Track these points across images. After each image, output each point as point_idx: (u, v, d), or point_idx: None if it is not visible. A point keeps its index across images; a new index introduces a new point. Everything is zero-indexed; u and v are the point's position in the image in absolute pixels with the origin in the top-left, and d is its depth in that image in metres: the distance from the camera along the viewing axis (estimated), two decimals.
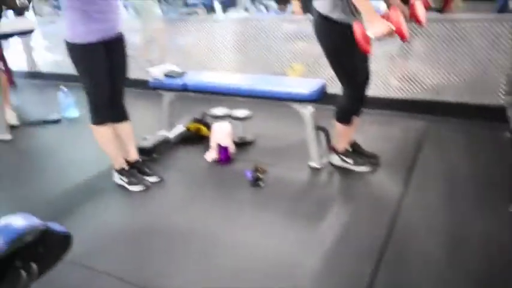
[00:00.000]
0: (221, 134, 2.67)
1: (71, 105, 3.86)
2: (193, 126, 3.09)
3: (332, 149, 2.58)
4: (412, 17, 2.10)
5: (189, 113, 3.22)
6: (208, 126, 3.07)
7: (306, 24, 3.69)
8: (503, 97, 3.10)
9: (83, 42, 2.11)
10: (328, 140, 2.59)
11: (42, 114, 3.91)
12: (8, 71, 4.63)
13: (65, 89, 3.87)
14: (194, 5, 5.62)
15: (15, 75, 5.16)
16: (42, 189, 2.60)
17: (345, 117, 2.41)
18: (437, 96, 3.33)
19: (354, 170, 2.52)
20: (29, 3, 1.69)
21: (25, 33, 3.81)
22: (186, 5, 5.53)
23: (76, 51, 2.15)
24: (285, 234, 1.99)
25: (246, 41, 3.96)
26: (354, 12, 2.09)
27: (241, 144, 2.95)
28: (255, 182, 2.42)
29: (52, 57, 5.47)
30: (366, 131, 2.86)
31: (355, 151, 2.56)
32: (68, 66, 4.98)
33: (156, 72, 2.91)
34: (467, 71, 3.20)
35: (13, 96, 4.18)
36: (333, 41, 2.22)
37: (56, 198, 2.47)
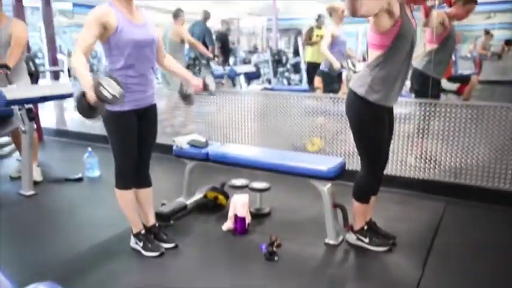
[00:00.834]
0: (239, 205, 2.70)
1: (94, 165, 3.99)
2: (212, 194, 3.14)
3: (348, 228, 2.57)
4: None
5: (208, 181, 3.29)
6: (226, 196, 3.13)
7: (326, 101, 3.84)
8: None
9: (119, 111, 2.23)
10: (345, 218, 2.60)
11: (65, 171, 4.03)
12: (39, 128, 4.85)
13: (90, 150, 4.01)
14: (220, 76, 5.92)
15: (44, 132, 5.38)
16: (58, 248, 2.64)
17: (362, 195, 2.44)
18: (455, 178, 3.34)
19: (370, 249, 2.50)
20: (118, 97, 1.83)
21: (63, 97, 4.04)
22: (212, 75, 5.82)
23: (111, 118, 2.27)
24: None
25: (267, 113, 4.10)
26: (390, 93, 2.22)
27: (258, 216, 2.97)
28: (270, 255, 2.41)
29: (80, 117, 5.71)
30: (383, 209, 2.86)
31: (372, 230, 2.55)
32: (94, 127, 5.24)
33: (180, 141, 3.03)
34: (485, 156, 3.23)
35: (40, 153, 4.34)
36: (364, 120, 2.31)
37: (71, 259, 2.49)
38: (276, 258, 2.40)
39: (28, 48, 3.96)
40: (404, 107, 3.47)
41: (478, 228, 2.84)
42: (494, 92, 8.65)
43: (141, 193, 2.53)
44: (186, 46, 5.70)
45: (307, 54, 6.49)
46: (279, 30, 11.68)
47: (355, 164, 3.31)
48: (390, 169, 3.44)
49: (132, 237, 2.55)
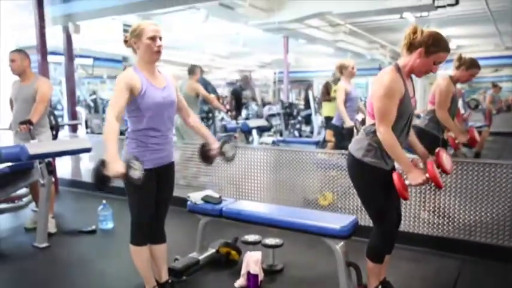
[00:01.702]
0: (252, 262, 2.70)
1: (108, 218, 4.03)
2: (224, 249, 3.15)
3: (362, 287, 2.55)
4: (439, 167, 2.25)
5: (221, 236, 3.30)
6: (238, 251, 3.13)
7: (337, 156, 3.90)
8: None
9: None
10: (359, 277, 2.57)
11: (79, 223, 4.08)
12: (55, 179, 4.95)
13: (105, 202, 4.07)
14: (233, 129, 6.06)
15: (59, 182, 5.48)
16: None
17: (376, 256, 2.43)
18: (470, 236, 3.31)
19: None
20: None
21: (81, 152, 4.18)
22: (226, 129, 5.97)
23: None
24: None
25: (280, 168, 4.16)
26: (386, 158, 2.26)
27: (271, 273, 2.96)
28: None
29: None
30: (396, 267, 2.83)
31: None
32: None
33: (195, 197, 3.09)
34: (499, 213, 3.21)
35: (54, 203, 4.41)
36: (365, 181, 2.35)
37: None
38: None
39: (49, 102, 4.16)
40: (416, 160, 3.49)
41: None
42: (507, 143, 8.66)
43: (155, 249, 2.55)
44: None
45: (325, 109, 6.60)
46: (289, 82, 12.00)
47: (368, 219, 3.31)
48: (403, 225, 3.41)
49: None
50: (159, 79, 2.39)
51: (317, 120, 7.61)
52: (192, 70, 5.57)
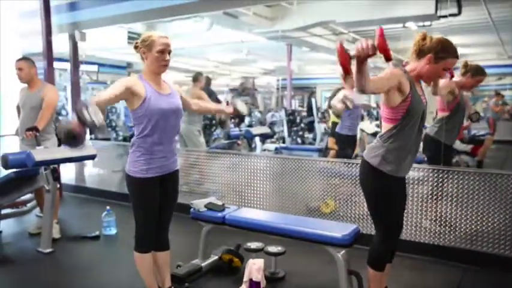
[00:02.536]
0: (254, 269, 2.72)
1: (112, 224, 4.06)
2: (227, 256, 3.17)
3: None
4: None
5: (224, 243, 3.33)
6: (241, 258, 3.15)
7: (339, 164, 3.92)
8: None
9: (143, 177, 2.35)
10: (360, 285, 2.59)
11: (82, 229, 4.11)
12: (60, 185, 4.99)
13: (109, 208, 4.10)
14: (236, 136, 6.10)
15: (63, 188, 5.53)
16: None
17: (377, 263, 2.44)
18: (471, 245, 3.32)
19: None
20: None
21: (87, 159, 4.22)
22: (229, 137, 6.01)
23: (135, 184, 2.38)
24: None
25: (282, 175, 4.19)
26: (402, 164, 2.29)
27: (273, 280, 2.98)
28: None
29: (99, 174, 5.90)
30: (398, 276, 2.84)
31: None
32: (112, 185, 5.36)
33: (198, 205, 3.12)
34: (500, 223, 3.22)
35: (59, 210, 4.45)
36: (378, 191, 2.35)
37: None
38: None
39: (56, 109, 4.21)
40: (418, 171, 3.52)
41: None
42: (510, 152, 8.65)
43: (159, 256, 2.58)
44: None
45: (333, 116, 6.59)
46: (292, 89, 12.04)
47: (369, 227, 3.33)
48: (405, 234, 3.44)
49: None
50: (164, 87, 2.44)
51: (320, 127, 7.64)
52: (196, 78, 5.62)
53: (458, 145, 4.47)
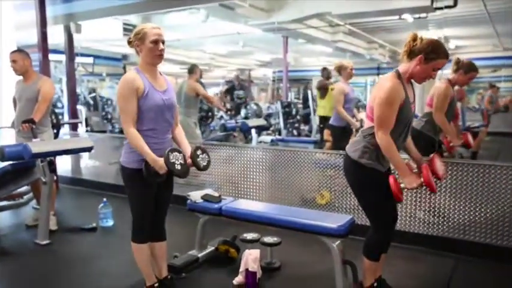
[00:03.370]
0: (250, 260, 2.75)
1: (108, 215, 4.08)
2: (223, 247, 3.20)
3: (358, 285, 2.60)
4: (432, 173, 2.32)
5: (220, 234, 3.36)
6: (237, 249, 3.19)
7: (334, 156, 3.95)
8: None
9: (137, 168, 2.36)
10: (355, 275, 2.63)
11: (79, 221, 4.13)
12: (56, 177, 5.00)
13: (105, 200, 4.12)
14: (232, 128, 6.12)
15: (59, 180, 5.52)
16: None
17: (373, 254, 2.48)
18: (464, 235, 3.36)
19: None
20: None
21: (83, 151, 4.23)
22: (225, 129, 6.02)
23: (130, 175, 2.40)
24: None
25: (278, 167, 4.22)
26: (381, 160, 2.32)
27: (268, 270, 3.02)
28: None
29: (95, 166, 5.91)
30: (392, 266, 2.88)
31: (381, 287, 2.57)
32: (108, 177, 5.36)
33: (195, 196, 3.15)
34: (493, 213, 3.27)
35: (55, 202, 4.46)
36: (361, 182, 2.42)
37: None
38: None
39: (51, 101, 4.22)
40: (412, 163, 3.54)
41: (488, 287, 2.84)
42: (504, 143, 8.72)
43: (156, 246, 2.61)
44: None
45: (320, 109, 6.62)
46: (288, 81, 12.04)
47: (364, 218, 3.36)
48: (399, 224, 3.47)
49: None
50: (160, 81, 2.44)
51: (315, 119, 7.67)
52: (191, 69, 5.61)
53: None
